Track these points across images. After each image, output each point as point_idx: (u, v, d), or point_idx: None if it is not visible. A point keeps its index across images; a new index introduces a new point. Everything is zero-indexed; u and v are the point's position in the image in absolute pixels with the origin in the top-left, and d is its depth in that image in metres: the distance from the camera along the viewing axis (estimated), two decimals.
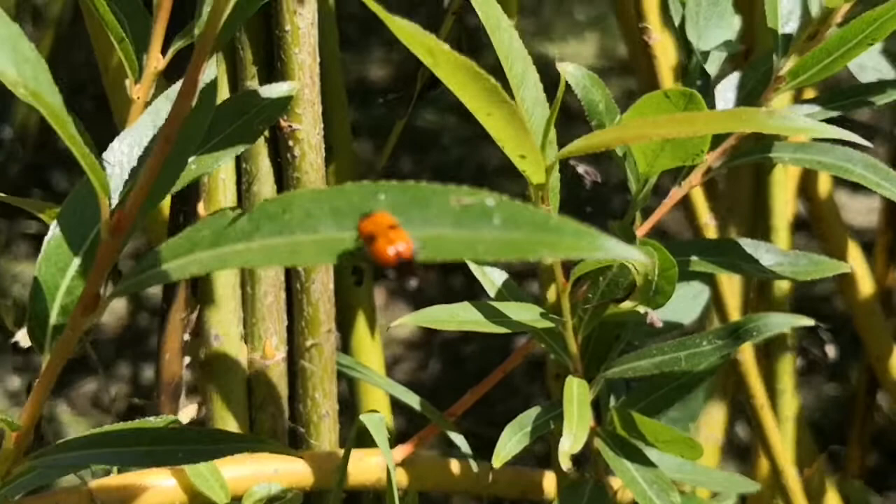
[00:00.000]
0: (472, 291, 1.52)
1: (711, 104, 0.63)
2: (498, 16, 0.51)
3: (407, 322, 0.54)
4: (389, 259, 0.37)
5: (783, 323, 0.61)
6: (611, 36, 2.05)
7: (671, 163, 0.55)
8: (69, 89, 0.42)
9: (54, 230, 0.48)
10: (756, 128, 0.46)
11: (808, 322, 0.62)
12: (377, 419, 0.55)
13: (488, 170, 1.79)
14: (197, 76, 0.41)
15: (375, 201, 0.38)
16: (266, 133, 0.64)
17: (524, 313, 0.57)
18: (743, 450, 1.24)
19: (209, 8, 0.44)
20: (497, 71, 0.53)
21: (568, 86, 0.56)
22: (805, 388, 1.38)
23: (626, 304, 0.57)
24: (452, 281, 1.59)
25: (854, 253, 0.88)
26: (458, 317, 0.55)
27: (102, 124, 0.73)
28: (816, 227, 0.89)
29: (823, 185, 0.88)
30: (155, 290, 0.56)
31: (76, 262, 0.48)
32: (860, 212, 1.55)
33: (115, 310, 1.53)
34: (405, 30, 0.41)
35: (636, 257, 0.35)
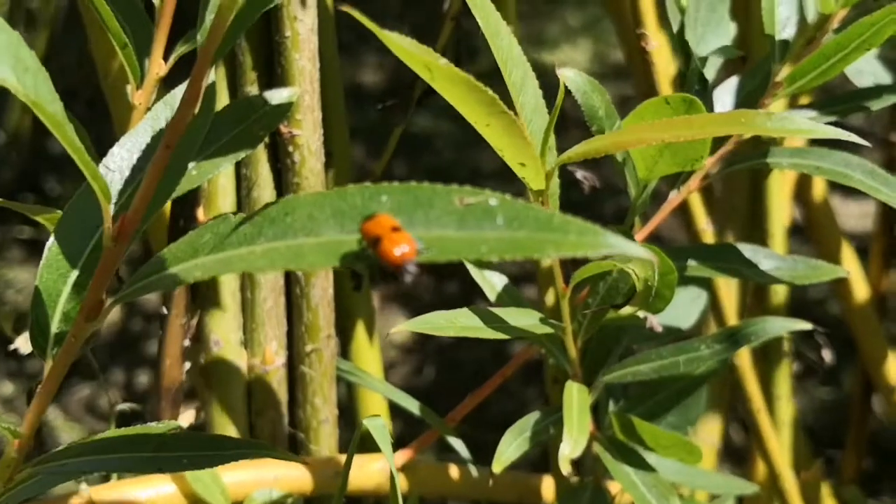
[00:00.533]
0: (466, 296, 1.52)
1: (710, 109, 0.63)
2: (497, 22, 0.51)
3: (406, 328, 0.54)
4: (396, 259, 0.37)
5: (781, 327, 0.61)
6: (604, 41, 2.05)
7: (671, 168, 0.55)
8: (61, 93, 0.42)
9: (55, 237, 0.48)
10: (755, 130, 0.46)
11: (806, 326, 0.62)
12: (380, 424, 0.55)
13: (482, 173, 1.79)
14: (200, 84, 0.41)
15: (378, 203, 0.39)
16: (266, 138, 0.64)
17: (524, 319, 0.57)
18: (737, 453, 1.24)
19: (212, 16, 0.44)
20: (493, 75, 0.53)
21: (565, 91, 0.56)
22: (799, 391, 1.38)
23: (626, 310, 0.57)
24: (447, 286, 1.59)
25: (849, 257, 0.89)
26: (457, 322, 0.55)
27: (95, 128, 0.72)
28: (811, 231, 0.89)
29: (818, 189, 0.88)
30: (149, 296, 0.56)
31: (77, 269, 0.48)
32: (853, 216, 1.56)
33: (109, 315, 1.53)
34: (402, 46, 0.41)
35: (641, 254, 0.35)
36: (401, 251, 0.37)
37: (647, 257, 0.34)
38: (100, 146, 0.57)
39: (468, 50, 0.79)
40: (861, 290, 0.89)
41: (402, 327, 0.54)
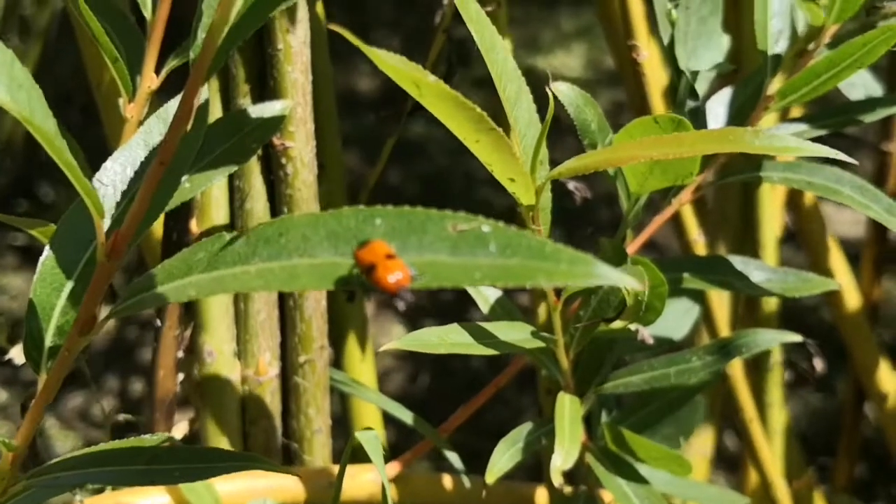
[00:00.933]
0: (461, 303, 1.52)
1: (703, 121, 0.63)
2: (492, 36, 0.51)
3: (397, 346, 0.54)
4: (391, 287, 0.37)
5: (772, 339, 0.62)
6: (598, 47, 2.05)
7: (661, 183, 0.56)
8: (55, 100, 0.42)
9: (49, 251, 0.48)
10: (743, 148, 0.46)
11: (797, 338, 0.62)
12: (372, 437, 0.55)
13: (476, 180, 1.80)
14: (192, 101, 0.41)
15: (372, 226, 0.39)
16: (259, 150, 0.64)
17: (515, 333, 0.58)
18: (731, 460, 1.24)
19: (204, 34, 0.44)
20: (487, 82, 0.54)
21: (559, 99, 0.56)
22: (791, 399, 1.38)
23: (617, 323, 0.57)
24: (442, 293, 1.59)
25: (840, 265, 0.89)
26: (447, 339, 0.55)
27: (90, 135, 0.73)
28: (803, 239, 0.90)
29: (810, 197, 0.89)
30: None
31: (71, 283, 0.48)
32: (846, 222, 1.56)
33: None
34: (390, 63, 0.41)
35: (630, 284, 0.36)
36: (395, 279, 0.37)
37: (635, 286, 0.34)
38: (94, 152, 0.57)
39: (461, 57, 0.79)
40: (853, 298, 0.89)
41: (394, 345, 0.54)
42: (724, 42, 0.64)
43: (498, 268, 0.35)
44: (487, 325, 0.57)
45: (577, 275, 0.34)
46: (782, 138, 0.46)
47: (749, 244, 0.82)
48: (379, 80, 1.96)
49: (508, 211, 0.58)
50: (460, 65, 0.79)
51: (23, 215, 0.62)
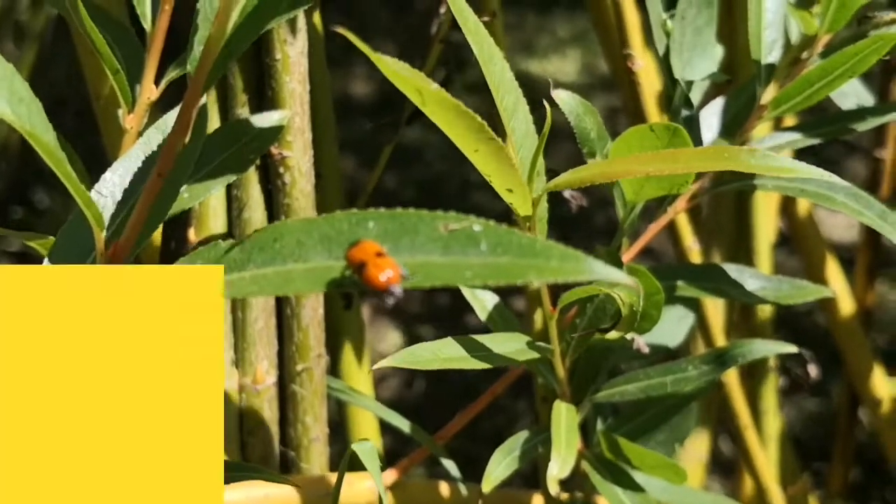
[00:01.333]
0: (456, 308, 1.52)
1: (697, 130, 0.64)
2: (490, 48, 0.52)
3: (390, 364, 0.55)
4: (381, 285, 0.38)
5: (767, 349, 0.62)
6: (593, 52, 2.06)
7: (657, 192, 0.56)
8: (50, 105, 0.42)
9: (48, 262, 0.49)
10: (739, 167, 0.47)
11: (792, 349, 0.63)
12: (369, 447, 0.55)
13: (471, 185, 1.80)
14: (190, 114, 0.41)
15: (364, 229, 0.39)
16: (257, 160, 0.64)
17: (510, 345, 0.58)
18: (726, 465, 1.25)
19: (201, 46, 0.44)
20: (482, 87, 0.54)
21: (554, 103, 0.56)
22: (786, 404, 1.39)
23: (613, 333, 0.57)
24: (437, 297, 1.60)
25: (834, 271, 0.90)
26: (441, 354, 0.56)
27: (85, 139, 0.73)
28: (797, 244, 0.90)
29: (804, 203, 0.89)
30: None
31: None
32: (839, 227, 1.57)
33: None
34: (394, 69, 0.42)
35: (621, 280, 0.36)
36: (386, 276, 0.37)
37: (629, 284, 0.35)
38: (90, 158, 0.57)
39: (457, 61, 0.80)
40: (847, 304, 0.90)
41: (386, 363, 0.54)
42: (718, 52, 0.64)
43: (489, 266, 0.35)
44: (481, 338, 0.57)
45: (567, 271, 0.35)
46: (778, 159, 0.47)
47: (743, 251, 0.83)
48: (374, 85, 1.97)
49: (503, 215, 0.58)
50: (456, 69, 0.80)
51: (18, 222, 0.62)
